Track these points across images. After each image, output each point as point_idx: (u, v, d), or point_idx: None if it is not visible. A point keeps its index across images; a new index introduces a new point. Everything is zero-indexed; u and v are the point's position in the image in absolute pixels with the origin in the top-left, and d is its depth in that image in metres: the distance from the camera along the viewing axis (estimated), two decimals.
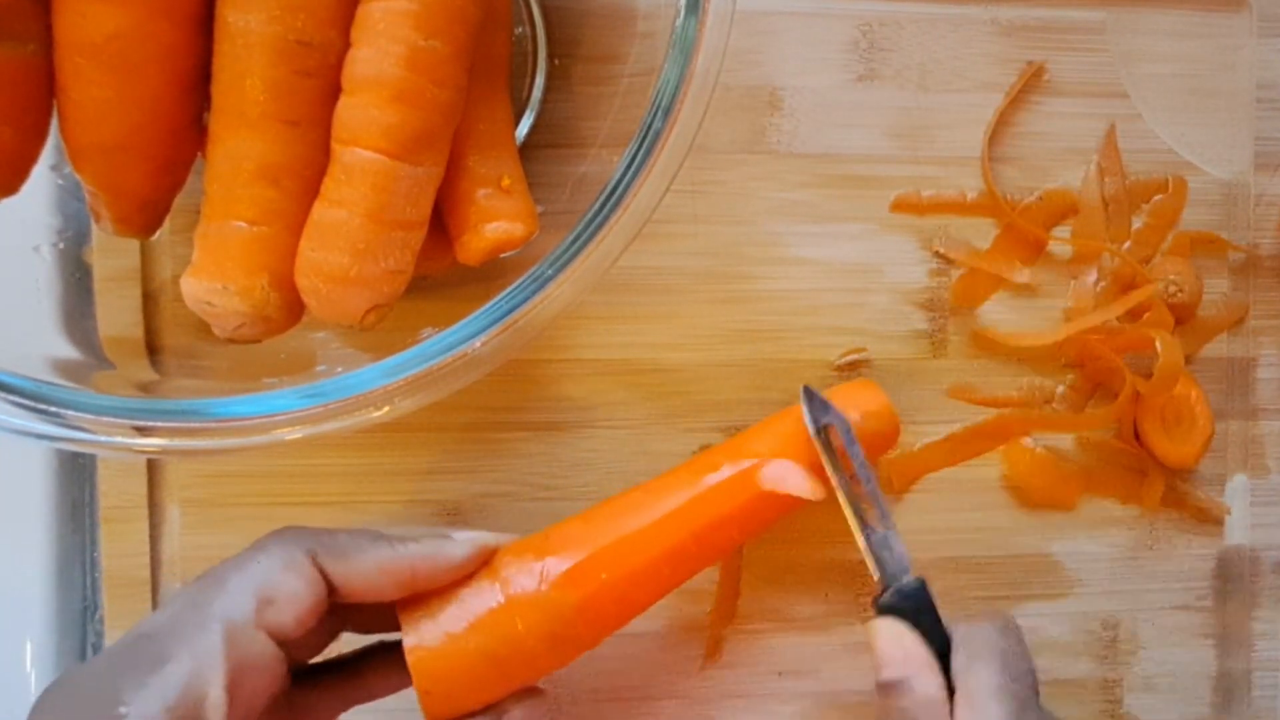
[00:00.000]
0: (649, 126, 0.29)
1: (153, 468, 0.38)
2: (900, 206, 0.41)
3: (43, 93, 0.30)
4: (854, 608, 0.41)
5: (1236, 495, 0.43)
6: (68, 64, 0.29)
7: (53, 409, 0.27)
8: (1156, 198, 0.42)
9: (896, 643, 0.32)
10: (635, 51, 0.35)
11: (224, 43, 0.29)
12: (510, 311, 0.29)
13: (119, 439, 0.29)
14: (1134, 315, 0.41)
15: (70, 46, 0.29)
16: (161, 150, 0.31)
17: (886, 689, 0.32)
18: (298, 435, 0.29)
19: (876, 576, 0.34)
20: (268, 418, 0.29)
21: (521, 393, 0.39)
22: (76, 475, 0.38)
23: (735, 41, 0.29)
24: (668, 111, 0.29)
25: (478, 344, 0.29)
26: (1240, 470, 0.43)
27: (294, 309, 0.31)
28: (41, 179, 0.32)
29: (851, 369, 0.41)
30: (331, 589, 0.29)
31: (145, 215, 0.32)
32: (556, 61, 0.38)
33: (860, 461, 0.34)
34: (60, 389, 0.28)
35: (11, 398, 0.27)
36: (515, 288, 0.29)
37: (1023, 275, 0.41)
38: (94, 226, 0.33)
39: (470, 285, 0.33)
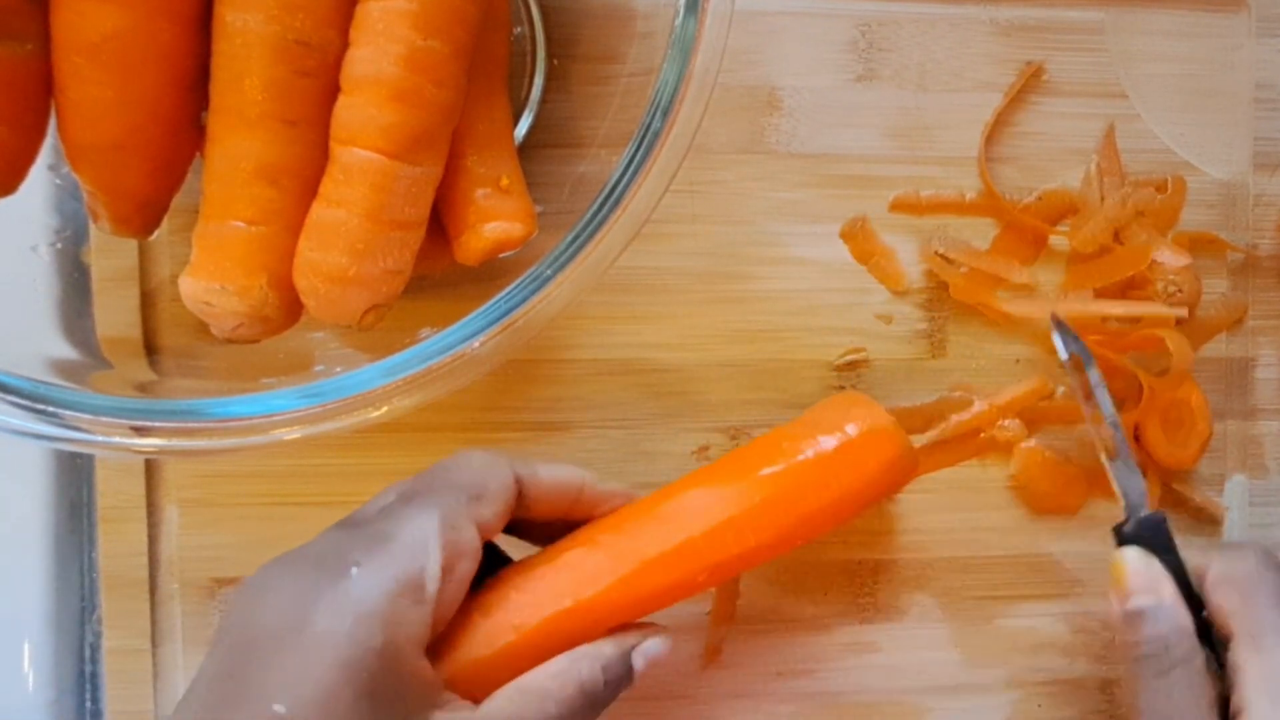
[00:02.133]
0: (648, 126, 0.29)
1: (151, 468, 0.38)
2: (899, 206, 0.41)
3: (41, 92, 0.30)
4: (854, 608, 0.41)
5: (1235, 495, 0.43)
6: (66, 63, 0.29)
7: (51, 409, 0.27)
8: (1156, 198, 0.42)
9: (1145, 570, 0.32)
10: (634, 51, 0.35)
11: (222, 42, 0.29)
12: (509, 311, 0.29)
13: (117, 439, 0.29)
14: (1132, 316, 0.41)
15: (68, 46, 0.29)
16: (160, 150, 0.31)
17: (1133, 618, 0.32)
18: (296, 435, 0.29)
19: (1122, 504, 0.34)
20: (266, 418, 0.29)
21: (521, 393, 0.39)
22: (74, 475, 0.38)
23: (734, 41, 0.29)
24: (666, 111, 0.29)
25: (476, 344, 0.29)
26: (1239, 470, 0.43)
27: (292, 309, 0.31)
28: (39, 179, 0.32)
29: (851, 369, 0.41)
30: (519, 495, 0.31)
31: (143, 215, 0.32)
32: (555, 61, 0.38)
33: (1102, 394, 0.35)
34: (58, 389, 0.28)
35: (9, 398, 0.27)
36: (514, 288, 0.29)
37: (1022, 275, 0.41)
38: (92, 226, 0.33)
39: (469, 285, 0.33)
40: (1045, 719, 0.42)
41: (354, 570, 0.27)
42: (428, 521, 0.29)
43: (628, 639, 0.31)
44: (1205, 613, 0.32)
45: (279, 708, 0.25)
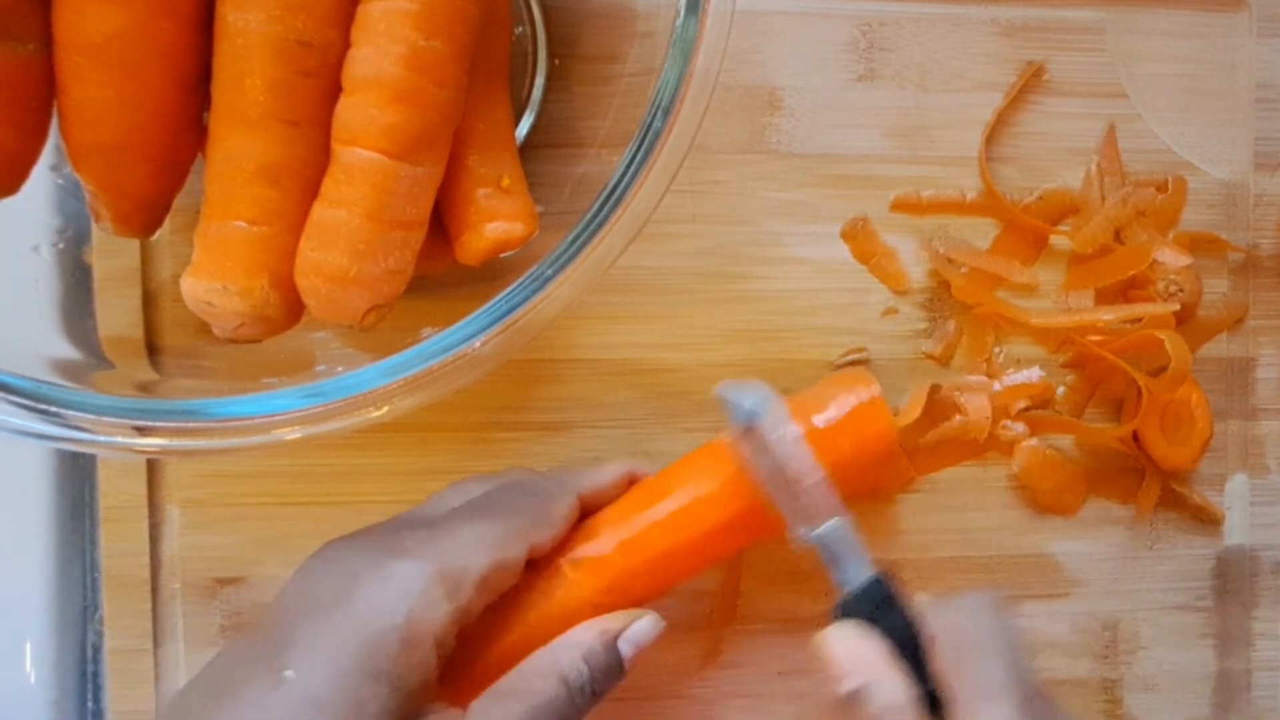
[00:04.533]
0: (649, 126, 0.29)
1: (152, 468, 0.38)
2: (900, 206, 0.41)
3: (42, 92, 0.30)
4: None
5: (1236, 495, 0.43)
6: (67, 63, 0.29)
7: (52, 409, 0.27)
8: (1156, 197, 0.42)
9: (849, 648, 0.29)
10: (635, 51, 0.35)
11: (224, 42, 0.29)
12: (510, 311, 0.29)
13: (119, 439, 0.29)
14: (1133, 316, 0.41)
15: (70, 46, 0.29)
16: (161, 150, 0.31)
17: (852, 699, 0.29)
18: (297, 435, 0.29)
19: (833, 580, 0.31)
20: (267, 418, 0.29)
21: (521, 393, 0.39)
22: (76, 475, 0.38)
23: (735, 41, 0.29)
24: (667, 111, 0.29)
25: (477, 344, 0.29)
26: (1240, 470, 0.43)
27: (294, 309, 0.31)
28: (41, 179, 0.32)
29: (851, 369, 0.41)
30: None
31: (145, 215, 0.32)
32: (556, 61, 0.38)
33: (797, 449, 0.31)
34: (60, 389, 0.28)
35: (11, 398, 0.27)
36: (515, 288, 0.29)
37: (1022, 275, 0.41)
38: (94, 226, 0.33)
39: (470, 285, 0.33)
40: None
41: (403, 555, 0.28)
42: (485, 532, 0.30)
43: (611, 623, 0.30)
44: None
45: (289, 673, 0.26)
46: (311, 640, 0.27)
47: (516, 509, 0.31)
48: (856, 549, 0.31)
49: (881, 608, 0.30)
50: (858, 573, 0.31)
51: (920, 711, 0.28)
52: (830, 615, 0.31)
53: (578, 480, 0.33)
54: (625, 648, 0.30)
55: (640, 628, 0.31)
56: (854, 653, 0.29)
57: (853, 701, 0.29)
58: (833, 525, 0.31)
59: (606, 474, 0.34)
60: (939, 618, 0.29)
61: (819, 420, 0.33)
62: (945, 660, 0.29)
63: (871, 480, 0.40)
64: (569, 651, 0.29)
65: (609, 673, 0.30)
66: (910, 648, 0.29)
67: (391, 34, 0.28)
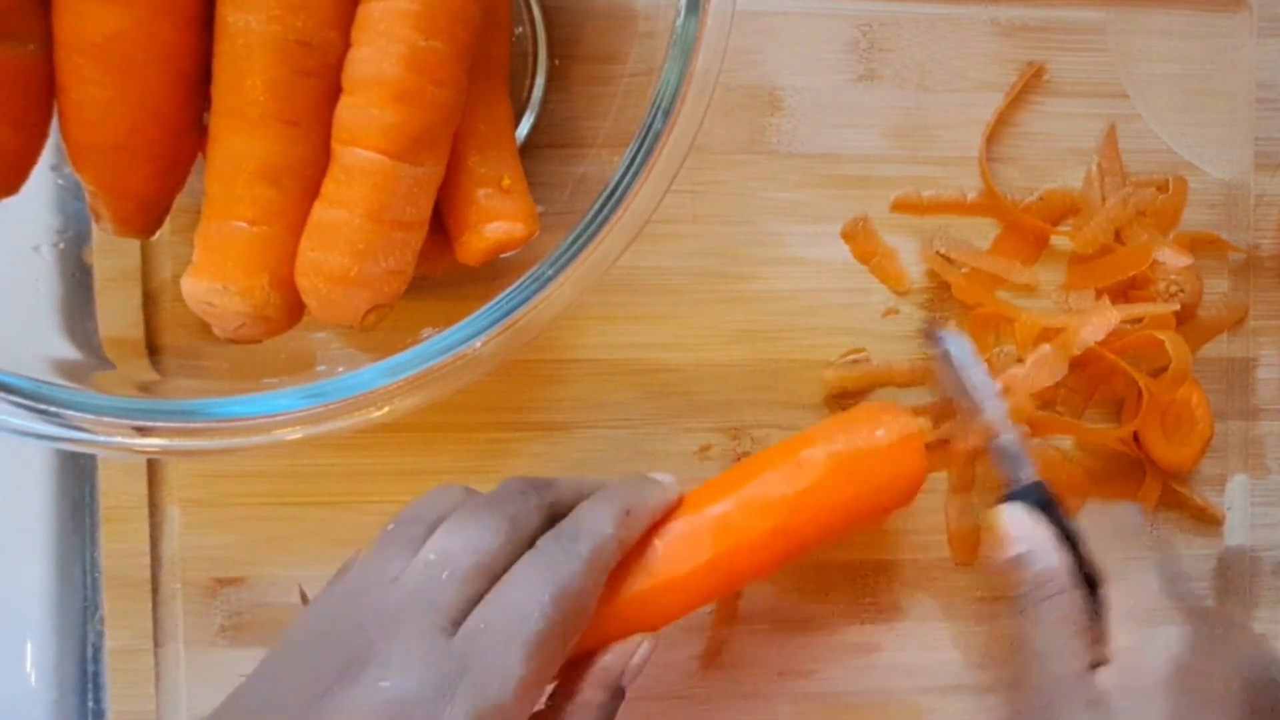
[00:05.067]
0: (649, 126, 0.29)
1: (153, 468, 0.38)
2: (900, 207, 0.41)
3: (43, 92, 0.30)
4: (854, 607, 0.41)
5: (1236, 495, 0.43)
6: (68, 64, 0.29)
7: (53, 409, 0.27)
8: (1157, 198, 0.42)
9: (1019, 521, 0.35)
10: (635, 52, 0.35)
11: (224, 43, 0.29)
12: (510, 312, 0.29)
13: (119, 439, 0.29)
14: (1134, 316, 0.41)
15: (70, 46, 0.29)
16: (162, 150, 0.31)
17: (1013, 564, 0.34)
18: (298, 435, 0.29)
19: (1005, 475, 0.36)
20: (268, 418, 0.29)
21: (522, 393, 0.39)
22: (77, 475, 0.38)
23: (735, 41, 0.29)
24: (668, 111, 0.29)
25: (478, 344, 0.29)
26: (1240, 470, 0.43)
27: (294, 309, 0.31)
28: (42, 179, 0.32)
29: (853, 369, 0.41)
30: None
31: (145, 215, 0.32)
32: (557, 62, 0.38)
33: (982, 377, 0.37)
34: (60, 389, 0.28)
35: (11, 398, 0.27)
36: (515, 288, 0.29)
37: (1023, 275, 0.41)
38: (94, 226, 0.33)
39: (470, 285, 0.33)
40: None
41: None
42: (519, 643, 0.28)
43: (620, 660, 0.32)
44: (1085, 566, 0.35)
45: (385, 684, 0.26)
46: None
47: (547, 597, 0.29)
48: (1025, 457, 0.37)
49: (1042, 502, 0.35)
50: (1025, 475, 0.36)
51: (1073, 579, 0.33)
52: (998, 503, 0.36)
53: (637, 505, 0.32)
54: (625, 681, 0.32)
55: (638, 659, 0.32)
56: (1022, 526, 0.35)
57: (1017, 565, 0.34)
58: (1008, 437, 0.37)
59: (660, 494, 0.33)
60: (1096, 517, 0.35)
61: (845, 445, 0.35)
62: (1099, 543, 0.34)
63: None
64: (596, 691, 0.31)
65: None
66: (1066, 542, 0.34)
67: (391, 34, 0.28)
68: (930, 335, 0.39)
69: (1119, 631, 0.33)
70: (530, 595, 0.28)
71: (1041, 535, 0.34)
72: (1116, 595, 0.33)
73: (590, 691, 0.31)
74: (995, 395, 0.37)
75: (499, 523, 0.29)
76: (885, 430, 0.35)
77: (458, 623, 0.27)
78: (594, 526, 0.30)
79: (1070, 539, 0.35)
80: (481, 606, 0.28)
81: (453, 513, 0.30)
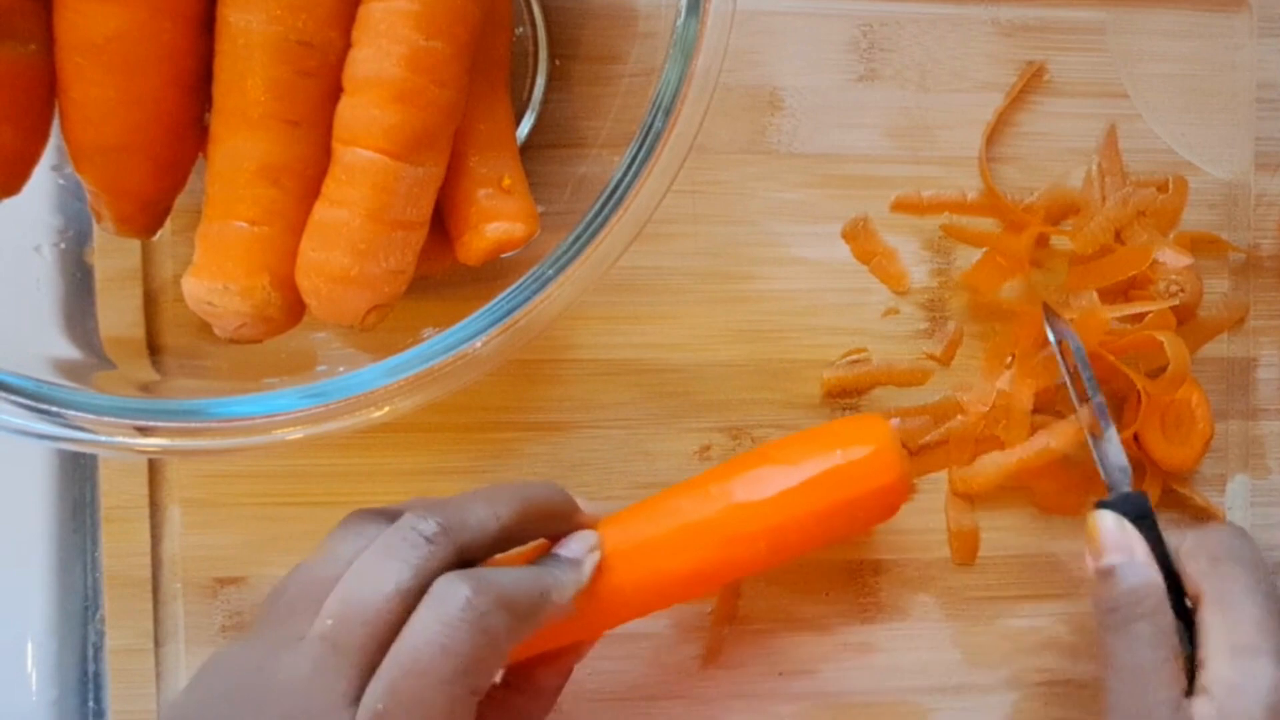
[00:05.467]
0: (649, 126, 0.29)
1: (154, 467, 0.38)
2: (900, 207, 0.41)
3: (44, 93, 0.30)
4: (855, 608, 0.41)
5: (1237, 496, 0.43)
6: (69, 64, 0.29)
7: (54, 409, 0.27)
8: (1157, 198, 0.42)
9: (1118, 530, 0.34)
10: (636, 52, 0.35)
11: (225, 43, 0.29)
12: (511, 312, 0.29)
13: (120, 439, 0.29)
14: (1135, 316, 0.41)
15: (71, 46, 0.29)
16: (163, 150, 0.31)
17: (1106, 574, 0.33)
18: (298, 435, 0.29)
19: (1105, 482, 0.36)
20: (268, 418, 0.29)
21: (521, 393, 0.39)
22: (77, 475, 0.38)
23: (735, 41, 0.29)
24: (668, 111, 0.29)
25: (478, 344, 0.29)
26: (1240, 471, 0.43)
27: (295, 309, 0.31)
28: (43, 179, 0.32)
29: (852, 369, 0.41)
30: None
31: (146, 215, 0.32)
32: (557, 62, 0.38)
33: (1089, 377, 0.37)
34: (61, 389, 0.28)
35: (12, 398, 0.27)
36: (516, 288, 0.29)
37: (1011, 292, 0.41)
38: (95, 226, 0.33)
39: (471, 285, 0.33)
40: (1047, 719, 0.42)
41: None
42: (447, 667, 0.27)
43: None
44: (1180, 583, 0.34)
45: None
46: None
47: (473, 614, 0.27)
48: (1125, 464, 0.37)
49: (1140, 513, 0.35)
50: (1123, 482, 0.36)
51: (1166, 597, 0.33)
52: (1095, 509, 0.36)
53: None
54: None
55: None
56: (1118, 536, 0.34)
57: (1109, 576, 0.33)
58: (1113, 441, 0.37)
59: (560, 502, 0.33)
60: (1195, 535, 0.34)
61: (820, 465, 0.35)
62: (1198, 564, 0.33)
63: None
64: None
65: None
66: (1158, 557, 0.34)
67: (392, 34, 0.28)
68: (1050, 322, 0.39)
69: (1216, 662, 0.31)
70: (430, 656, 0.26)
71: (1137, 548, 0.33)
72: (1215, 623, 0.32)
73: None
74: (1102, 397, 0.37)
75: (398, 576, 0.27)
76: (859, 449, 0.34)
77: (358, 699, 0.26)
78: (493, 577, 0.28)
79: (1166, 557, 0.34)
80: (376, 680, 0.26)
81: (344, 575, 0.28)
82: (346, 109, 0.29)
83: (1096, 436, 0.37)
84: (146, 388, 0.35)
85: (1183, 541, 0.35)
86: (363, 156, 0.29)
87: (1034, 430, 0.41)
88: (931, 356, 0.41)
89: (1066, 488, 0.41)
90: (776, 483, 0.34)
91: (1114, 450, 0.37)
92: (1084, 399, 0.38)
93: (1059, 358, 0.38)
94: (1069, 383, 0.38)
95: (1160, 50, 0.42)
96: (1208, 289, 0.42)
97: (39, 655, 0.38)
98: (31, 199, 0.31)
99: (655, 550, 0.34)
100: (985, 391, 0.41)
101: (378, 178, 0.29)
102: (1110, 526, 0.34)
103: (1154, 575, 0.33)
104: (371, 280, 0.30)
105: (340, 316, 0.31)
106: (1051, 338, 0.38)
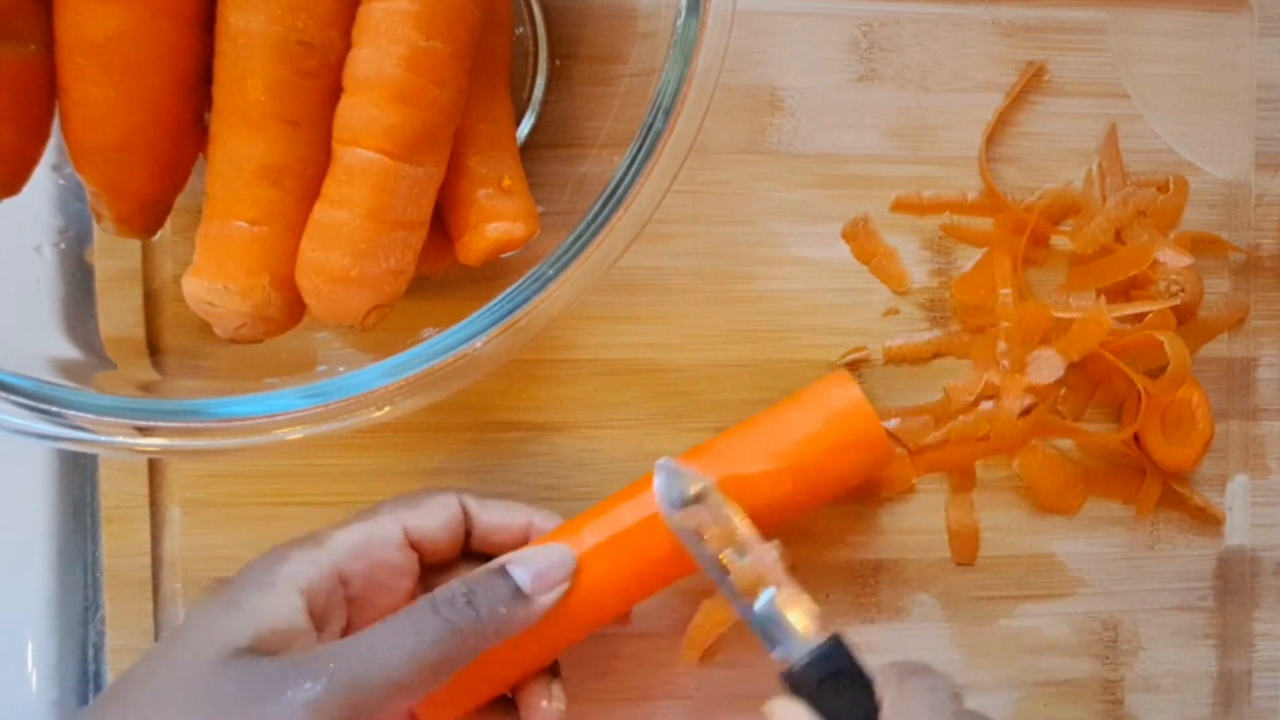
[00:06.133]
0: (650, 127, 0.29)
1: (154, 468, 0.38)
2: (900, 207, 0.41)
3: (44, 93, 0.30)
4: (855, 607, 0.41)
5: (1237, 496, 0.43)
6: (69, 64, 0.29)
7: (54, 409, 0.27)
8: (1158, 198, 0.42)
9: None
10: (636, 52, 0.35)
11: (225, 43, 0.29)
12: (511, 312, 0.29)
13: (120, 439, 0.29)
14: (1135, 317, 0.41)
15: (71, 47, 0.29)
16: (163, 150, 0.31)
17: None
18: (299, 435, 0.29)
19: (773, 654, 0.31)
20: (269, 418, 0.29)
21: (523, 393, 0.39)
22: (78, 475, 0.38)
23: (735, 42, 0.29)
24: (668, 112, 0.29)
25: (479, 344, 0.29)
26: (1241, 471, 0.43)
27: (295, 309, 0.31)
28: (43, 179, 0.32)
29: (852, 369, 0.41)
30: (468, 529, 0.34)
31: (146, 215, 0.32)
32: (557, 62, 0.38)
33: (731, 524, 0.32)
34: (61, 389, 0.28)
35: (13, 398, 0.27)
36: (516, 288, 0.29)
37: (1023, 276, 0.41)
38: (95, 227, 0.33)
39: (471, 285, 0.33)
40: (1047, 719, 0.42)
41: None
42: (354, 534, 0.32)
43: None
44: None
45: None
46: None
47: (391, 504, 0.33)
48: (804, 618, 0.31)
49: (835, 674, 0.30)
50: (804, 642, 0.31)
51: None
52: (783, 680, 0.31)
53: (461, 494, 0.34)
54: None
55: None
56: None
57: None
58: (768, 599, 0.31)
59: (497, 508, 0.35)
60: (895, 700, 0.30)
61: (799, 432, 0.35)
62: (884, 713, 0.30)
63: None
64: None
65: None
66: (864, 710, 0.30)
67: (392, 34, 0.28)
68: (669, 475, 0.33)
69: None
70: None
71: None
72: None
73: None
74: (758, 545, 0.32)
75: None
76: (830, 407, 0.35)
77: None
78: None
79: (869, 705, 0.30)
80: None
81: None
82: (346, 109, 0.29)
83: (747, 601, 0.31)
84: (147, 388, 0.35)
85: (884, 699, 0.30)
86: (362, 156, 0.29)
87: (1028, 429, 0.41)
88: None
89: (1064, 487, 0.41)
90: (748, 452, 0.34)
91: (788, 606, 0.31)
92: (724, 573, 0.31)
93: (675, 530, 0.32)
94: (697, 553, 0.32)
95: (1160, 50, 0.42)
96: (1208, 289, 0.42)
97: (39, 655, 0.38)
98: (32, 199, 0.31)
99: (628, 544, 0.33)
100: (973, 381, 0.41)
101: (378, 178, 0.29)
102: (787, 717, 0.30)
103: None
104: (372, 280, 0.30)
105: (340, 316, 0.31)
106: (666, 503, 0.32)
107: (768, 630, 0.31)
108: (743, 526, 0.32)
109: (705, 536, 0.32)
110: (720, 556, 0.32)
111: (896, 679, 0.30)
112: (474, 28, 0.30)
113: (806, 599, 0.31)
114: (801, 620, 0.31)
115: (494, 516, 0.34)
